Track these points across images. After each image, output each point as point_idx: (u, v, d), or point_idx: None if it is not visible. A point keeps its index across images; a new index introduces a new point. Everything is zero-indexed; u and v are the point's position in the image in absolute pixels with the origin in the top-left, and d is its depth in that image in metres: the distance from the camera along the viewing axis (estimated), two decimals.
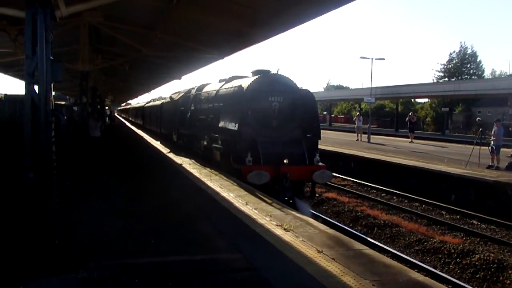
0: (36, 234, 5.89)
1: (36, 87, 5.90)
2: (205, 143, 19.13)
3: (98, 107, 33.18)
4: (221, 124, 16.29)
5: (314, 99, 16.30)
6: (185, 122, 23.86)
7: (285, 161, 14.35)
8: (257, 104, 15.12)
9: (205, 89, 21.51)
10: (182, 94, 26.48)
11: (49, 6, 6.02)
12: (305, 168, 14.77)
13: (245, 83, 15.70)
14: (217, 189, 12.90)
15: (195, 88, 23.54)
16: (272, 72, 16.13)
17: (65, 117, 6.41)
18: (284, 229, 8.48)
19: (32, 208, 5.88)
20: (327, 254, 7.08)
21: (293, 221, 9.22)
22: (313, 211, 14.62)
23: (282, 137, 15.27)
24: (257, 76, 15.70)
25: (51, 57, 5.98)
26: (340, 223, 14.78)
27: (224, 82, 19.09)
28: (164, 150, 25.28)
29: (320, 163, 15.15)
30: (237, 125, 14.64)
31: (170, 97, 30.92)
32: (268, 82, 15.50)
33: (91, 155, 18.17)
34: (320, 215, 15.06)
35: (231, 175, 15.02)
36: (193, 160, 19.76)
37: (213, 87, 20.35)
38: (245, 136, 14.76)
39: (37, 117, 5.87)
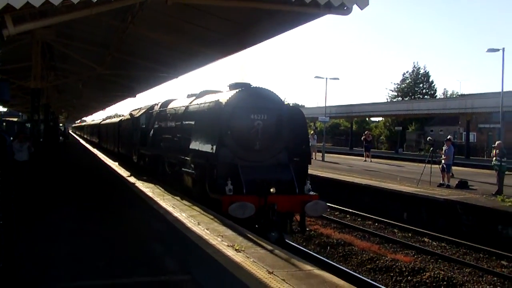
0: None
1: None
2: (172, 166, 16.98)
3: (51, 124, 32.17)
4: (193, 145, 13.87)
5: (304, 117, 14.56)
6: (147, 142, 21.71)
7: (271, 189, 11.96)
8: (237, 122, 12.85)
9: (171, 105, 19.35)
10: (144, 110, 24.03)
11: None
12: (295, 198, 12.48)
13: (223, 98, 13.49)
14: (169, 209, 12.75)
15: (159, 104, 21.28)
16: (253, 86, 13.80)
17: (11, 137, 6.30)
18: (236, 249, 8.44)
19: None
20: (278, 275, 7.06)
21: (244, 241, 9.18)
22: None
23: (266, 161, 13.11)
24: (236, 90, 13.34)
25: None
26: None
27: (194, 97, 16.78)
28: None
29: (312, 192, 12.94)
30: (214, 147, 12.36)
31: (130, 114, 28.37)
32: (250, 97, 13.24)
33: (17, 183, 15.77)
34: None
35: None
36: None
37: (180, 103, 18.11)
38: (224, 159, 12.57)
39: None
